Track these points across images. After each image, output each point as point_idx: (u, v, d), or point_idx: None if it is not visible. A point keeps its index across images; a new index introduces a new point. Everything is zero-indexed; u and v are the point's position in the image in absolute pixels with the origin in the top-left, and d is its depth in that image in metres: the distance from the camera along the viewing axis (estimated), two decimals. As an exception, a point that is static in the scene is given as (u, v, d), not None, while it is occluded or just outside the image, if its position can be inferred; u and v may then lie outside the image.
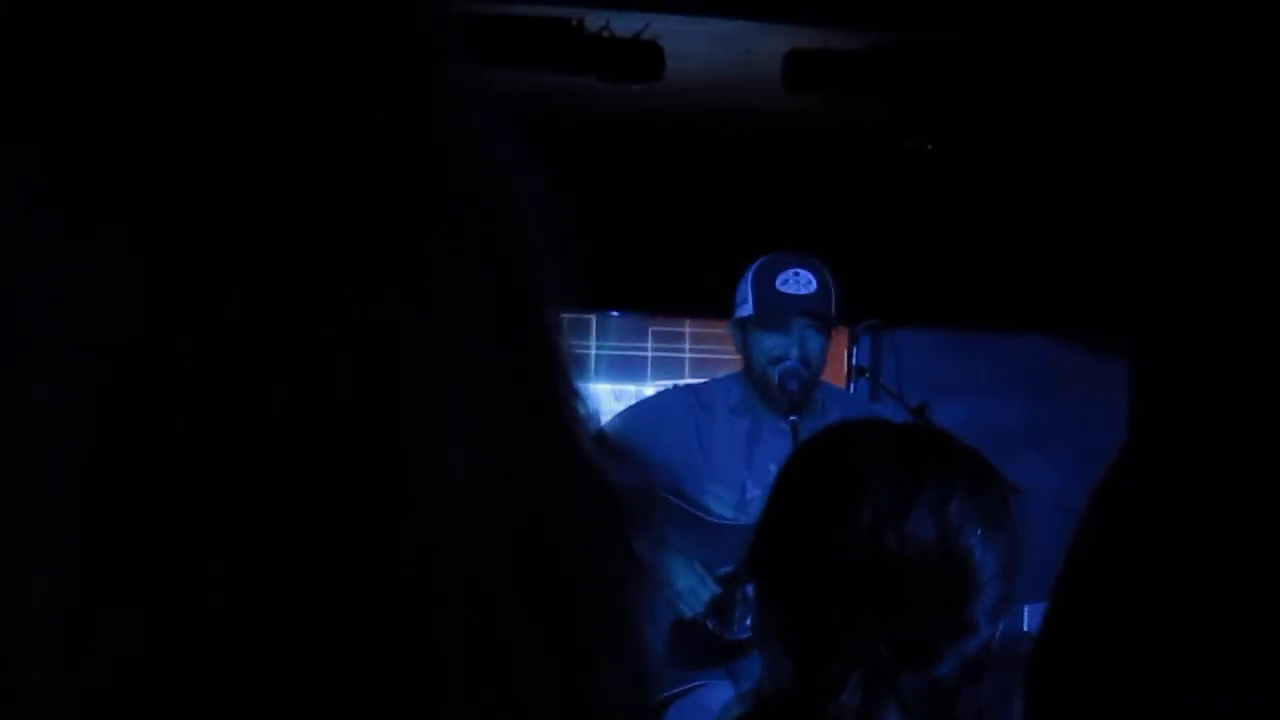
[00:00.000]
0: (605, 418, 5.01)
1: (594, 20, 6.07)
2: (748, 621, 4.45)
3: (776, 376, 4.60)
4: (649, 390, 6.22)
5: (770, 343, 4.64)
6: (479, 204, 0.57)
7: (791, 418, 4.53)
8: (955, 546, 1.97)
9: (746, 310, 4.70)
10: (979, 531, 1.98)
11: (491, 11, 5.53)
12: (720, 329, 5.21)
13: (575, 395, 0.59)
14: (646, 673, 0.61)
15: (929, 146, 7.27)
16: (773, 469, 4.74)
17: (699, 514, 4.63)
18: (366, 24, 0.55)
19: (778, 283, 4.65)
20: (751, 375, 4.72)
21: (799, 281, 4.65)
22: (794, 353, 4.60)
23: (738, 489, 4.70)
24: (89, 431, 0.48)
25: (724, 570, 4.54)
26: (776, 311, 4.63)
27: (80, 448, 0.48)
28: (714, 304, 4.94)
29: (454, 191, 0.56)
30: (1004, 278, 7.52)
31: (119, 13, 0.51)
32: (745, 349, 4.74)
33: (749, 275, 4.75)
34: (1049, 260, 7.49)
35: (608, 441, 0.61)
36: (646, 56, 6.13)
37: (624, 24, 6.06)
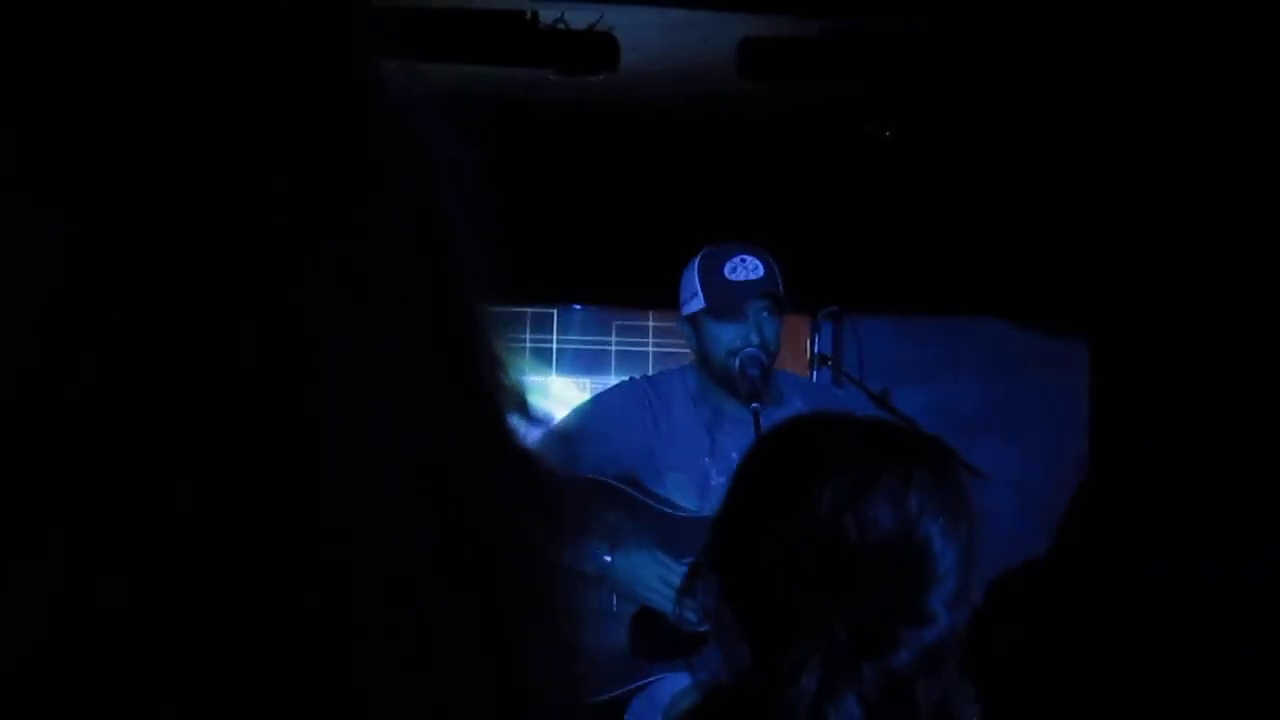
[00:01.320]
0: (566, 410, 5.01)
1: (548, 12, 6.06)
2: (707, 610, 4.45)
3: (737, 365, 4.60)
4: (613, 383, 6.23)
5: (727, 333, 4.63)
6: (404, 197, 0.57)
7: (753, 405, 4.53)
8: (914, 535, 1.99)
9: (697, 304, 4.69)
10: (939, 522, 2.00)
11: (445, 5, 5.52)
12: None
13: (505, 386, 0.60)
14: (576, 658, 0.61)
15: (887, 133, 7.28)
16: (735, 457, 4.74)
17: (659, 507, 4.63)
18: (291, 20, 0.55)
19: (726, 271, 4.65)
20: (709, 367, 4.71)
21: (747, 268, 4.64)
22: (753, 339, 4.60)
23: (700, 478, 4.70)
24: (4, 388, 0.48)
25: (687, 560, 4.54)
26: (730, 300, 4.62)
27: None
28: (675, 296, 4.92)
29: (378, 184, 0.56)
30: (962, 262, 7.53)
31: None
32: (700, 342, 4.73)
33: (693, 268, 4.75)
34: (1007, 243, 7.50)
35: (543, 432, 0.62)
36: (602, 48, 6.13)
37: (578, 16, 6.06)
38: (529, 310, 7.59)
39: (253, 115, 0.53)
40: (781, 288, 4.68)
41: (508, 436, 0.60)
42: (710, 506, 4.59)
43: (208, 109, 0.52)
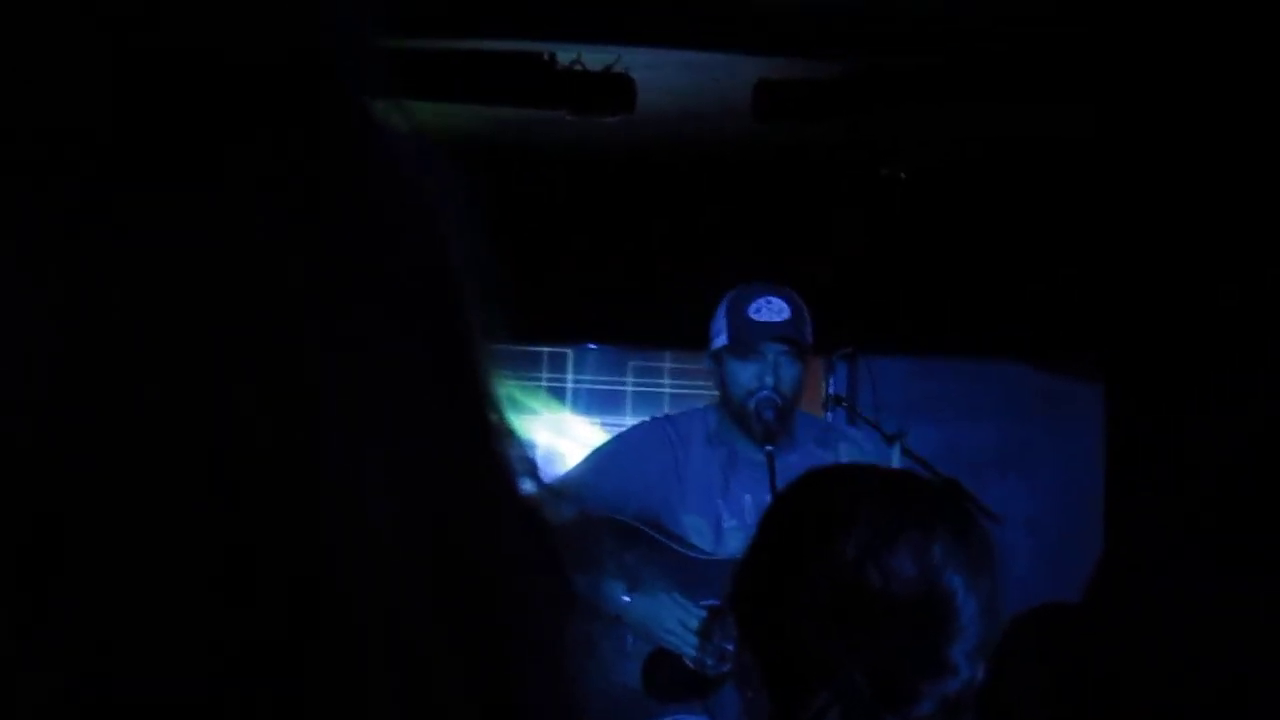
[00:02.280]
0: (582, 450, 5.00)
1: (565, 54, 6.08)
2: (725, 654, 4.45)
3: (753, 405, 4.59)
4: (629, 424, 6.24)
5: (745, 372, 4.63)
6: (403, 235, 0.57)
7: (767, 448, 4.52)
8: (937, 586, 1.99)
9: (721, 341, 4.69)
10: (961, 573, 2.00)
11: (463, 47, 5.54)
12: (700, 364, 5.21)
13: (507, 432, 0.60)
14: (579, 703, 0.61)
15: (902, 174, 7.29)
16: (748, 500, 4.71)
17: (681, 549, 4.63)
18: (287, 71, 0.55)
19: (750, 311, 4.64)
20: (728, 406, 4.71)
21: (771, 309, 4.63)
22: (768, 381, 4.59)
23: (713, 520, 4.69)
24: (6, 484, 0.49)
25: (706, 603, 4.53)
26: (749, 339, 4.62)
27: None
28: (691, 336, 4.93)
29: (380, 234, 0.56)
30: (977, 302, 7.53)
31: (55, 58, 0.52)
32: (721, 380, 4.73)
33: (722, 306, 4.74)
34: (1021, 284, 7.50)
35: (551, 481, 0.62)
36: (618, 89, 6.14)
37: (595, 57, 6.08)
38: (545, 350, 7.60)
39: (248, 163, 0.53)
40: (808, 335, 4.67)
41: (510, 483, 0.60)
42: (724, 548, 4.59)
43: (202, 160, 0.53)
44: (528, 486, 0.60)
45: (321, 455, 0.52)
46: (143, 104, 0.52)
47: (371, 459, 0.54)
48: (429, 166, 0.60)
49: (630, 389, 7.77)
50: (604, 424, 7.38)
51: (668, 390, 7.71)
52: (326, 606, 0.52)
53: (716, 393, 4.81)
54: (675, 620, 4.53)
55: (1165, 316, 7.17)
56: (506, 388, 0.60)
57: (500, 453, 0.59)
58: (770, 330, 4.60)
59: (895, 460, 5.08)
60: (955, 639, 1.99)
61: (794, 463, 4.29)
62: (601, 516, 4.44)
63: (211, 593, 0.50)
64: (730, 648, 4.34)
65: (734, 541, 4.51)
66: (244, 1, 0.56)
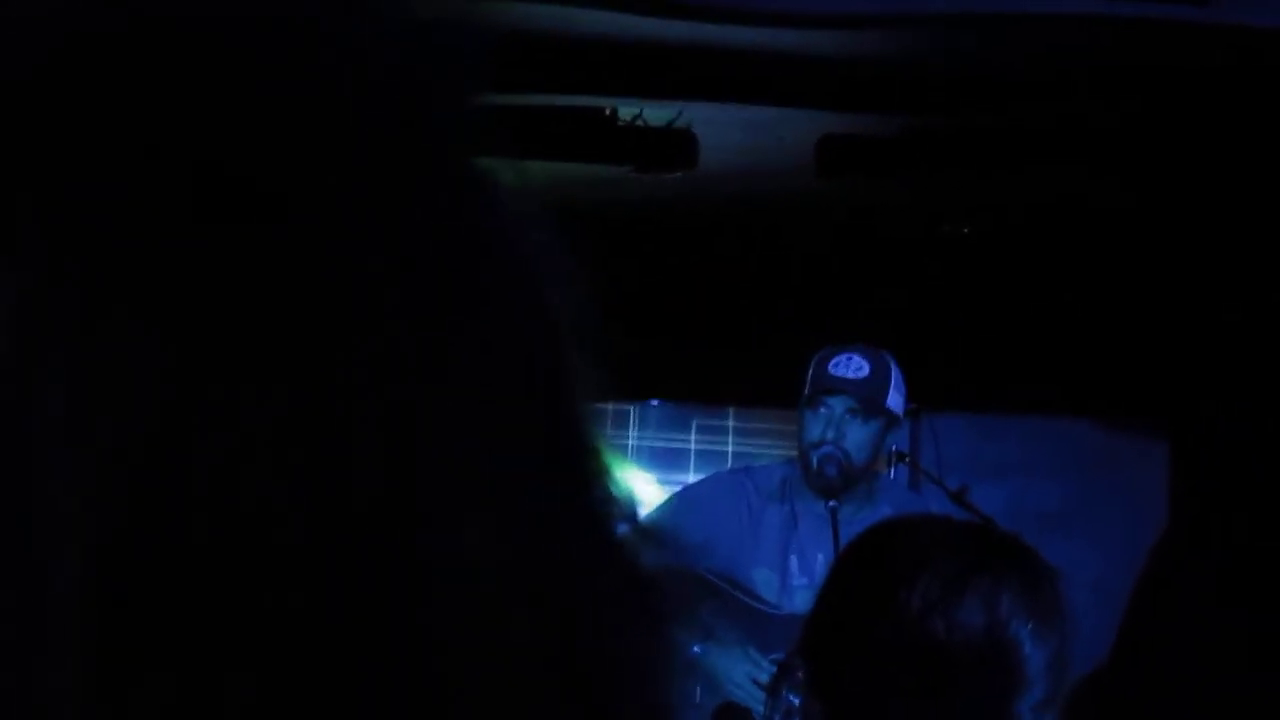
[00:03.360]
0: (646, 508, 5.00)
1: (627, 109, 6.10)
2: (792, 709, 4.42)
3: (815, 460, 4.59)
4: (691, 480, 6.23)
5: (812, 425, 4.63)
6: (505, 289, 0.57)
7: (830, 503, 4.51)
8: (1004, 638, 1.97)
9: (803, 393, 4.70)
10: (1029, 626, 1.98)
11: (524, 102, 5.56)
12: (763, 423, 5.21)
13: (607, 479, 0.59)
14: None
15: (965, 230, 7.27)
16: (820, 558, 4.70)
17: (751, 602, 4.62)
18: (391, 116, 0.55)
19: (830, 365, 4.65)
20: (801, 459, 4.71)
21: (850, 366, 4.63)
22: (830, 435, 4.59)
23: (781, 574, 4.69)
24: (102, 530, 0.48)
25: (774, 657, 4.52)
26: (818, 392, 4.62)
27: (93, 547, 0.48)
28: (753, 394, 4.93)
29: (480, 279, 0.56)
30: (1041, 359, 7.50)
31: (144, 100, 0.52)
32: (798, 432, 4.73)
33: (810, 366, 4.75)
34: (1085, 341, 7.47)
35: (643, 525, 0.61)
36: (680, 145, 6.15)
37: (657, 113, 6.09)
38: (608, 407, 7.61)
39: (359, 231, 0.53)
40: (883, 397, 4.65)
41: (614, 544, 0.59)
42: (790, 604, 4.58)
43: (312, 225, 0.53)
44: (624, 531, 0.60)
45: (430, 520, 0.52)
46: (254, 144, 0.52)
47: (480, 523, 0.53)
48: (530, 221, 0.59)
49: (694, 447, 7.75)
50: (666, 481, 7.37)
51: (730, 449, 7.69)
52: (431, 670, 0.52)
53: (780, 453, 4.81)
54: (744, 674, 4.52)
55: (1230, 374, 7.12)
56: (607, 446, 0.60)
57: (600, 499, 0.59)
58: (840, 385, 4.60)
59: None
60: (1022, 692, 1.97)
61: (867, 521, 4.28)
62: (682, 567, 4.43)
63: (310, 643, 0.50)
64: (797, 702, 4.32)
65: (801, 598, 4.50)
66: (352, 50, 0.56)
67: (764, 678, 4.50)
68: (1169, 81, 5.50)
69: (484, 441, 0.54)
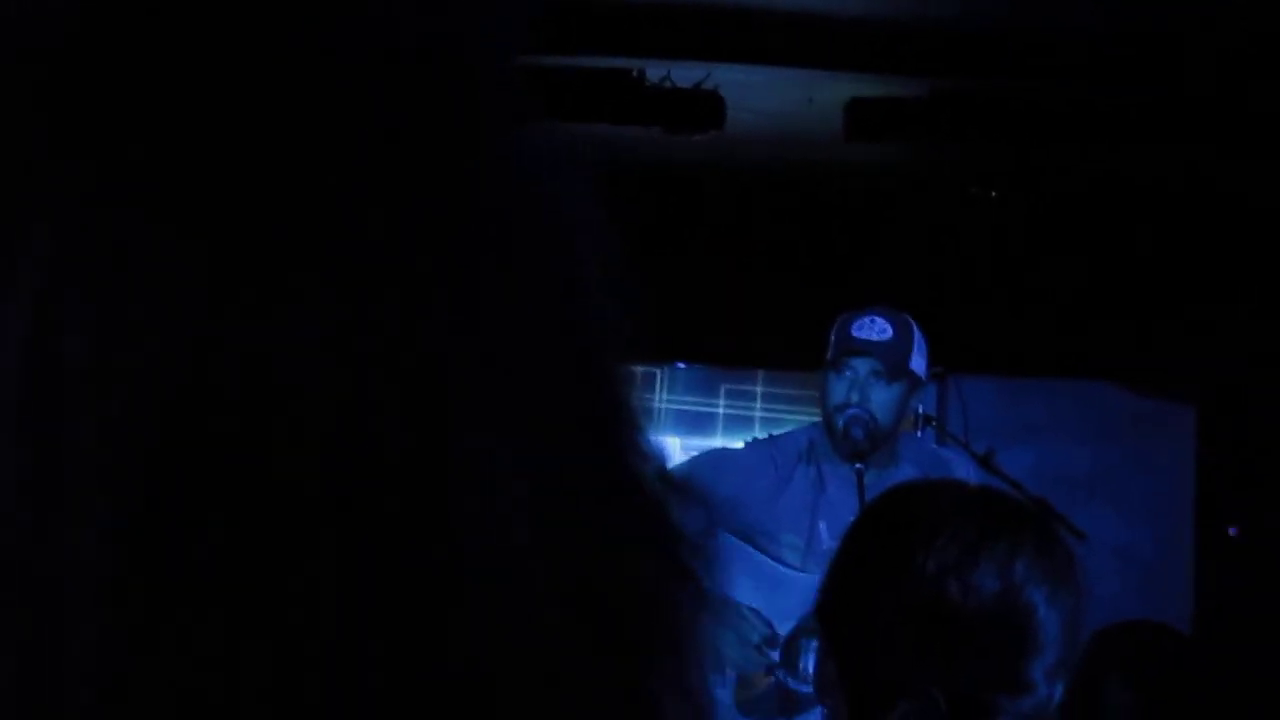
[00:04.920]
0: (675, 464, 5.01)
1: (654, 71, 6.09)
2: (811, 666, 4.43)
3: (841, 423, 4.58)
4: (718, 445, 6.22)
5: (837, 388, 4.61)
6: (539, 250, 0.57)
7: (857, 466, 4.50)
8: (1018, 602, 1.98)
9: (827, 356, 4.69)
10: (1044, 591, 1.99)
11: (552, 64, 5.56)
12: (792, 389, 5.18)
13: (641, 439, 0.59)
14: (709, 715, 0.61)
15: (992, 193, 7.26)
16: (845, 519, 4.72)
17: (776, 565, 4.61)
18: (428, 77, 0.55)
19: (853, 328, 4.61)
20: (825, 422, 4.70)
21: (874, 328, 4.60)
22: (854, 397, 4.57)
23: (806, 537, 4.68)
24: (130, 489, 0.48)
25: (792, 622, 4.52)
26: (842, 354, 4.62)
27: (121, 506, 0.48)
28: (781, 356, 4.91)
29: (517, 241, 0.56)
30: (1068, 323, 7.48)
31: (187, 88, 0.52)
32: (821, 395, 4.73)
33: (834, 327, 4.72)
34: (1113, 304, 7.45)
35: (675, 482, 0.61)
36: (708, 106, 6.14)
37: (684, 74, 6.08)
38: (636, 369, 7.61)
39: (388, 198, 0.53)
40: (907, 359, 4.63)
41: (648, 508, 0.59)
42: (819, 568, 4.58)
43: (344, 186, 0.53)
44: (658, 489, 0.60)
45: (464, 494, 0.52)
46: (291, 105, 0.53)
47: (516, 494, 0.53)
48: (566, 182, 0.59)
49: (722, 411, 7.75)
50: (692, 446, 7.36)
51: (759, 414, 7.67)
52: (469, 650, 0.52)
53: (809, 420, 4.80)
54: (740, 655, 4.52)
55: (1259, 339, 7.11)
56: (641, 408, 0.60)
57: (644, 480, 0.59)
58: (863, 347, 4.58)
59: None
60: (1035, 656, 1.98)
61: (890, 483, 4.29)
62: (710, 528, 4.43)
63: (338, 606, 0.50)
64: (809, 669, 4.33)
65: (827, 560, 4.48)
66: (389, 13, 0.56)
67: (755, 638, 4.51)
68: (1200, 47, 5.48)
69: (517, 403, 0.54)
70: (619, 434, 0.59)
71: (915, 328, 4.68)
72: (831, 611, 2.11)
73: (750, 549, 4.61)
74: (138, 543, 0.48)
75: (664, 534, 0.59)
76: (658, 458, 0.60)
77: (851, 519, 4.49)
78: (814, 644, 4.20)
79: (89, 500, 0.48)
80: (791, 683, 4.48)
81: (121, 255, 0.50)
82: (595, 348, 0.58)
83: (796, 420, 4.97)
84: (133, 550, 0.48)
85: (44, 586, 0.48)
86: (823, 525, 4.66)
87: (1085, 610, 2.05)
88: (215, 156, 0.51)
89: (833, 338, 4.66)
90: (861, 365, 4.59)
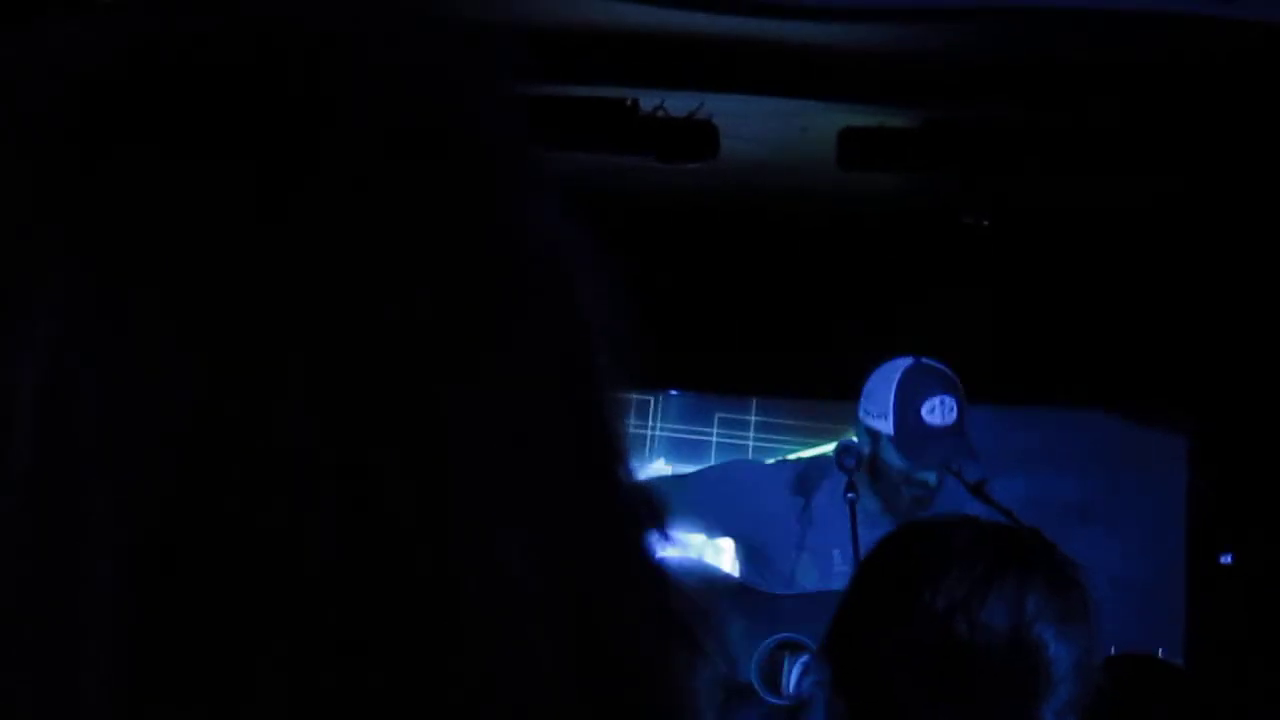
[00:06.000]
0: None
1: (648, 100, 6.09)
2: (793, 683, 4.41)
3: (907, 498, 4.51)
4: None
5: (908, 468, 4.52)
6: (540, 291, 0.57)
7: (849, 495, 4.48)
8: (1028, 639, 1.96)
9: (884, 428, 4.51)
10: (1054, 628, 1.97)
11: (545, 92, 5.56)
12: (786, 419, 5.14)
13: (635, 484, 0.59)
14: None
15: (985, 222, 7.26)
16: (834, 543, 4.66)
17: (761, 589, 4.60)
18: (427, 116, 0.56)
19: (924, 412, 4.48)
20: (879, 482, 4.57)
21: (945, 409, 4.50)
22: (931, 481, 4.50)
23: (825, 565, 4.66)
24: (139, 522, 0.49)
25: (775, 638, 4.49)
26: (920, 448, 4.48)
27: (130, 540, 0.49)
28: (774, 384, 4.90)
29: (514, 281, 0.56)
30: (1061, 352, 7.48)
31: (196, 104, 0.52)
32: (875, 455, 4.57)
33: (891, 390, 4.54)
34: (1106, 334, 7.45)
35: (667, 523, 0.61)
36: (701, 135, 6.14)
37: (678, 103, 6.09)
38: (630, 397, 7.59)
39: (394, 243, 0.53)
40: (973, 443, 4.57)
41: (641, 554, 0.59)
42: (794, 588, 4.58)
43: (344, 231, 0.53)
44: (649, 526, 0.60)
45: (462, 535, 0.53)
46: (288, 153, 0.53)
47: (512, 539, 0.54)
48: (566, 215, 0.60)
49: (715, 439, 7.73)
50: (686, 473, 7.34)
51: (752, 442, 7.66)
52: (465, 688, 0.52)
53: (798, 454, 4.75)
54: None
55: (1251, 368, 7.11)
56: (628, 436, 0.60)
57: (627, 506, 0.59)
58: (943, 445, 4.45)
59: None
60: (1045, 695, 1.96)
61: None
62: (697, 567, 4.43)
63: (340, 638, 0.50)
64: (791, 689, 4.32)
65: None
66: (389, 54, 0.56)
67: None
68: (1191, 76, 5.49)
69: (516, 448, 0.54)
70: (614, 479, 0.59)
71: (958, 382, 4.63)
72: (840, 649, 2.10)
73: (734, 580, 4.60)
74: (149, 580, 0.49)
75: (655, 585, 0.59)
76: (652, 500, 0.60)
77: (841, 551, 4.45)
78: (800, 660, 4.21)
79: (104, 536, 0.48)
80: (771, 698, 4.45)
81: (124, 327, 0.50)
82: (593, 391, 0.59)
83: (790, 449, 4.94)
84: (145, 588, 0.49)
85: (61, 615, 0.48)
86: (836, 553, 4.64)
87: (1098, 648, 2.03)
88: (206, 249, 0.51)
89: (895, 410, 4.50)
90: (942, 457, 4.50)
